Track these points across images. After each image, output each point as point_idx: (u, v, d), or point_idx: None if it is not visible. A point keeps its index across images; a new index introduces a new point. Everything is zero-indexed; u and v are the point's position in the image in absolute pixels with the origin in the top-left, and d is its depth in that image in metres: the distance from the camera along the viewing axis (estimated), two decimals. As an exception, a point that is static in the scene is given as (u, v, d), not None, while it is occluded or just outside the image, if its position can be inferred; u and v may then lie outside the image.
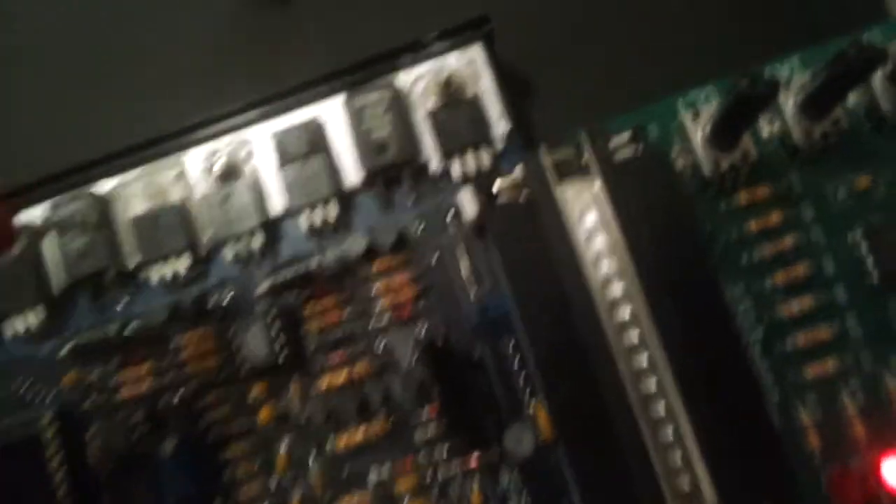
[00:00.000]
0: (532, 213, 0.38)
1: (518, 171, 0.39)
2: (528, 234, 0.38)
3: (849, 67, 0.34)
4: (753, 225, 0.40)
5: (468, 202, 0.39)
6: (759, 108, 0.36)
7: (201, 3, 0.48)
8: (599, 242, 0.38)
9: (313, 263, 0.40)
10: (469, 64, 0.42)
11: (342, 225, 0.42)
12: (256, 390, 0.41)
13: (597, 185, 0.38)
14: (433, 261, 0.41)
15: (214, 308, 0.42)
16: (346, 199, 0.42)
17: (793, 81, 0.39)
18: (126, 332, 0.41)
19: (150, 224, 0.41)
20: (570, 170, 0.39)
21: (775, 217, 0.40)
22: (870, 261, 0.40)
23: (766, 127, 0.40)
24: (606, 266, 0.38)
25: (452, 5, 0.42)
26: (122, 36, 0.49)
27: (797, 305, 0.40)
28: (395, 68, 0.42)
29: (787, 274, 0.40)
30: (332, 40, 0.46)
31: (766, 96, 0.35)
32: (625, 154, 0.40)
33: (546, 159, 0.38)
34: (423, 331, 0.41)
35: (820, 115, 0.39)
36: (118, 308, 0.42)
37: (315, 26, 0.47)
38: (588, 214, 0.39)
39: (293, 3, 0.48)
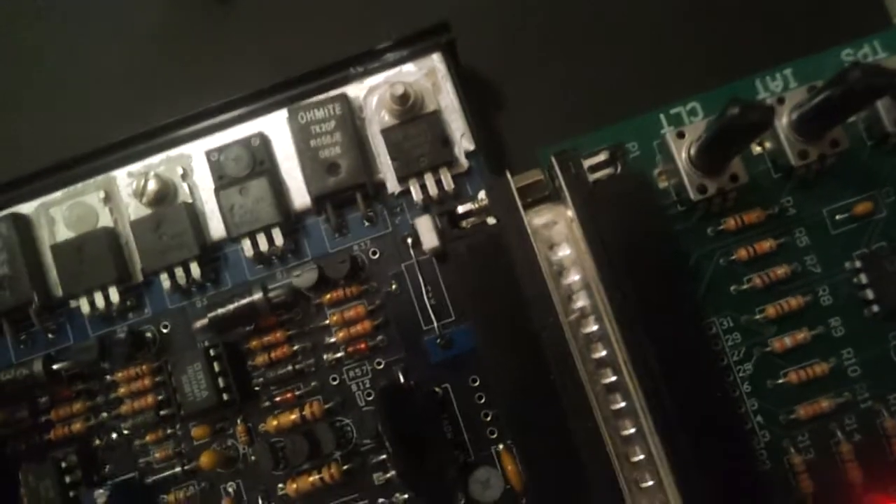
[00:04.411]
0: (498, 244, 0.35)
1: (483, 196, 0.36)
2: (494, 266, 0.34)
3: (851, 90, 0.30)
4: (743, 252, 0.36)
5: (427, 231, 0.35)
6: (749, 136, 0.32)
7: (132, 8, 0.43)
8: (572, 275, 0.35)
9: (258, 294, 0.36)
10: (428, 75, 0.37)
11: (290, 251, 0.38)
12: (198, 432, 0.38)
13: (569, 213, 0.35)
14: (391, 291, 0.37)
15: (150, 342, 0.38)
16: (294, 223, 0.38)
17: (786, 97, 0.35)
18: (54, 368, 0.37)
19: (75, 252, 0.37)
20: (540, 195, 0.36)
21: (767, 244, 0.37)
22: (869, 291, 0.36)
23: (757, 147, 0.37)
24: (580, 301, 0.35)
25: (410, 11, 0.38)
26: (45, 41, 0.44)
27: (790, 339, 0.36)
28: (346, 79, 0.38)
29: (779, 306, 0.36)
30: (276, 48, 0.41)
31: (757, 125, 0.31)
32: (601, 175, 0.37)
33: (513, 185, 0.34)
34: (381, 367, 0.37)
35: (817, 136, 0.35)
36: (44, 342, 0.38)
37: (257, 31, 0.42)
38: (560, 245, 0.35)
39: (233, 4, 0.43)
